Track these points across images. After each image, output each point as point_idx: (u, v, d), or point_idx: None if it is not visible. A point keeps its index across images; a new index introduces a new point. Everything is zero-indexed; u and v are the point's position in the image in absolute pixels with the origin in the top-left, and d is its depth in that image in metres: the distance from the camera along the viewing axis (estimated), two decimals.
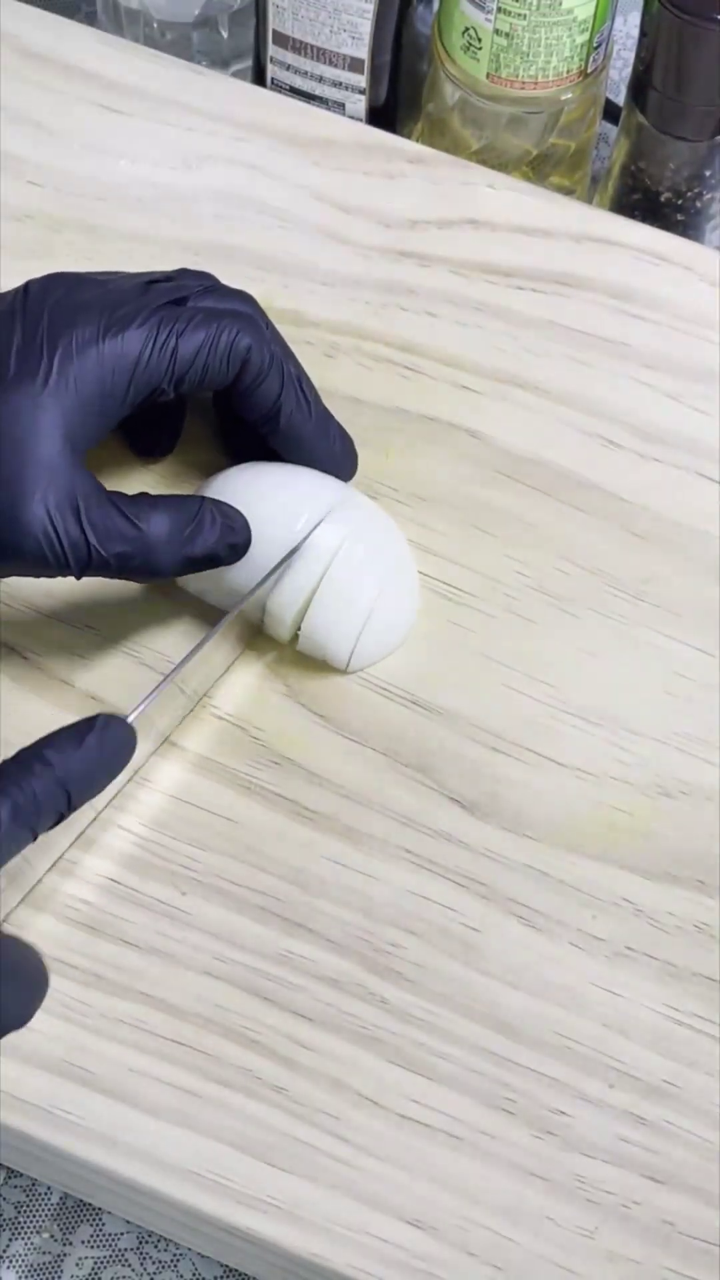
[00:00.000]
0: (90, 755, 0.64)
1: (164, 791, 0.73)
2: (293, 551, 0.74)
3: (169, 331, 0.72)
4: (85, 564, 0.71)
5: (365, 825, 0.73)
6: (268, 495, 0.75)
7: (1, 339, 0.71)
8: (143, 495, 0.72)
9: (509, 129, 0.90)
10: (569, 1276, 0.67)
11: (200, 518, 0.72)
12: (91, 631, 0.76)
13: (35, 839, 0.62)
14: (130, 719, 0.66)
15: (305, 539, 0.74)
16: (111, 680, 0.75)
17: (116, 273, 0.75)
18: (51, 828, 0.63)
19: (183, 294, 0.74)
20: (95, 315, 0.72)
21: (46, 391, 0.71)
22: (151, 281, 0.74)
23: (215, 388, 0.74)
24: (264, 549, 0.74)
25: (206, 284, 0.75)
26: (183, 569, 0.73)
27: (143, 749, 0.69)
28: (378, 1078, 0.69)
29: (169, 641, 0.76)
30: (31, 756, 0.63)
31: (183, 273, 0.75)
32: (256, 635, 0.76)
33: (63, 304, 0.72)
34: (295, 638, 0.75)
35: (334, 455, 0.77)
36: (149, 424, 0.78)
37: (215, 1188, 0.68)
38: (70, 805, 0.63)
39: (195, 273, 0.76)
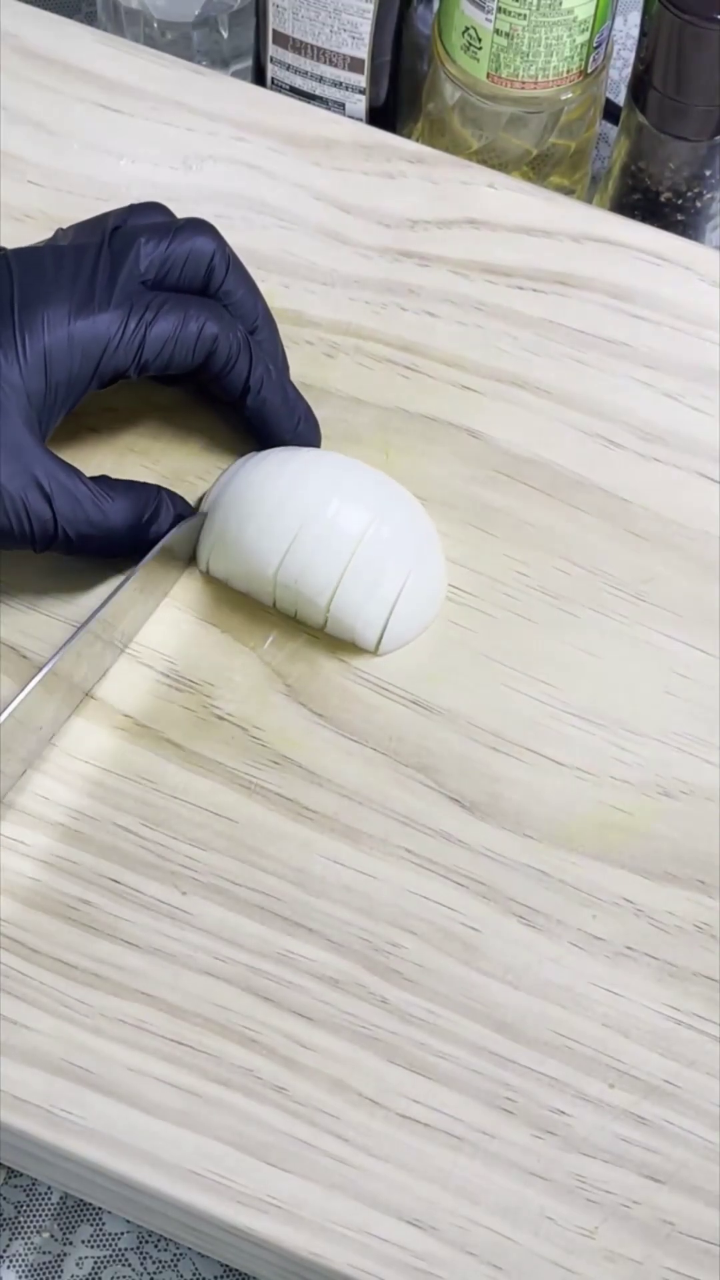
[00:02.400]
0: None
1: (163, 791, 0.73)
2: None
3: (138, 320, 0.74)
4: (50, 542, 0.73)
5: (365, 825, 0.73)
6: (296, 478, 0.75)
7: None
8: (104, 478, 0.75)
9: (509, 129, 0.90)
10: (569, 1276, 0.67)
11: (159, 506, 0.75)
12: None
13: None
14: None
15: (327, 519, 0.75)
16: (111, 680, 0.75)
17: (79, 225, 0.77)
18: None
19: (149, 246, 0.75)
20: (65, 297, 0.73)
21: (15, 373, 0.72)
22: (110, 239, 0.75)
23: (181, 373, 0.76)
24: (292, 530, 0.74)
25: (160, 225, 0.76)
26: (133, 553, 0.75)
27: (60, 702, 0.73)
28: (378, 1078, 0.69)
29: (169, 641, 0.76)
30: None
31: (133, 210, 0.77)
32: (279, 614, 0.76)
33: (32, 282, 0.73)
34: (326, 621, 0.75)
35: (297, 434, 0.78)
36: None
37: (215, 1188, 0.68)
38: None
39: (145, 208, 0.77)
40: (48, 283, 0.73)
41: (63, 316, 0.73)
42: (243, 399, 0.77)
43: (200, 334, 0.75)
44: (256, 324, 0.78)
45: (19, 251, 0.75)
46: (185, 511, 0.76)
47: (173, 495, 0.76)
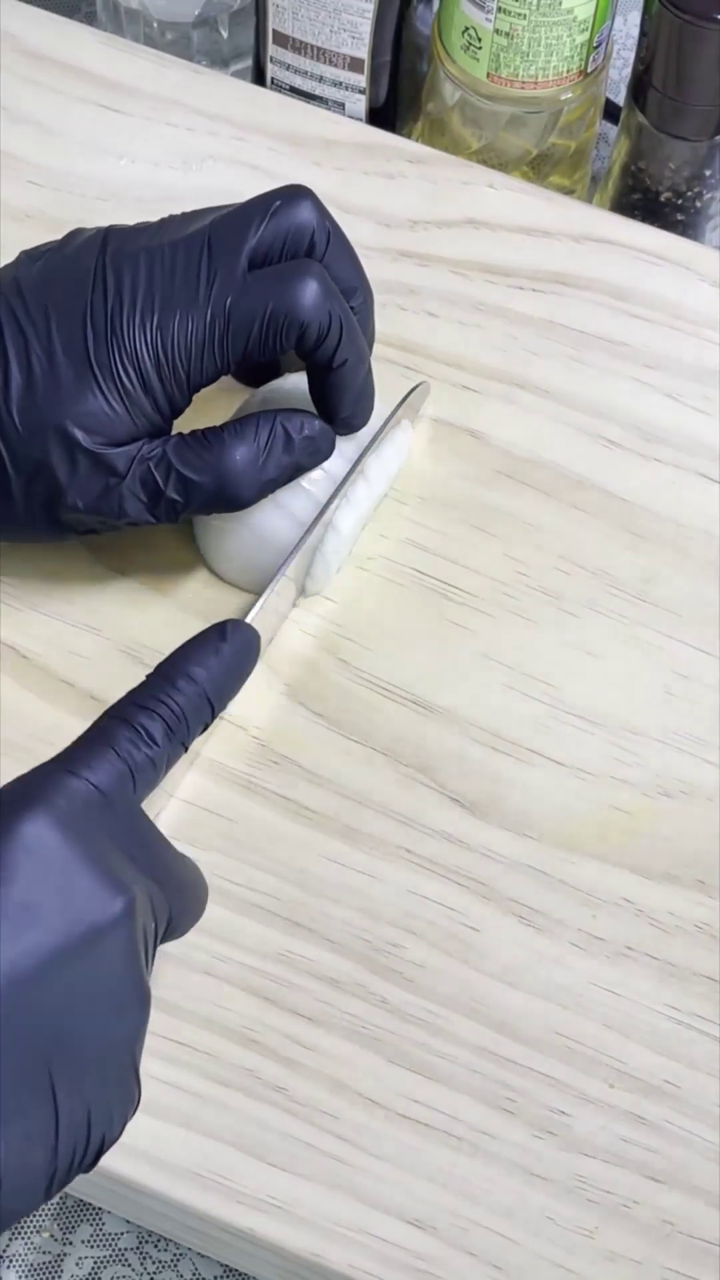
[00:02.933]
0: (227, 662, 0.65)
1: (163, 791, 0.73)
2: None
3: (225, 323, 0.72)
4: (177, 514, 0.73)
5: (365, 825, 0.73)
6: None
7: (78, 308, 0.72)
8: (213, 431, 0.73)
9: (509, 129, 0.90)
10: (569, 1276, 0.67)
11: (273, 438, 0.73)
12: (91, 631, 0.76)
13: (186, 751, 0.64)
14: (251, 619, 0.68)
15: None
16: (112, 680, 0.75)
17: (169, 221, 0.75)
18: (198, 737, 0.65)
19: (248, 231, 0.73)
20: (152, 308, 0.71)
21: (115, 394, 0.72)
22: (211, 233, 0.73)
23: (276, 357, 0.74)
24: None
25: (259, 202, 0.74)
26: (265, 491, 0.73)
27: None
28: (378, 1078, 0.69)
29: (169, 642, 0.76)
30: (175, 672, 0.64)
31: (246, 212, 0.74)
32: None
33: (126, 285, 0.72)
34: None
35: (348, 421, 0.76)
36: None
37: (215, 1188, 0.68)
38: (214, 714, 0.65)
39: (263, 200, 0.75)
40: (142, 290, 0.72)
41: (156, 325, 0.72)
42: (325, 373, 0.74)
43: (287, 320, 0.72)
44: (356, 291, 0.75)
45: (115, 254, 0.73)
46: (315, 430, 0.74)
47: (292, 417, 0.74)
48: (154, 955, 0.60)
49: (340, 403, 0.75)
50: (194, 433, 0.73)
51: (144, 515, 0.73)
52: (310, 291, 0.72)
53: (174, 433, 0.73)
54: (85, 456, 0.71)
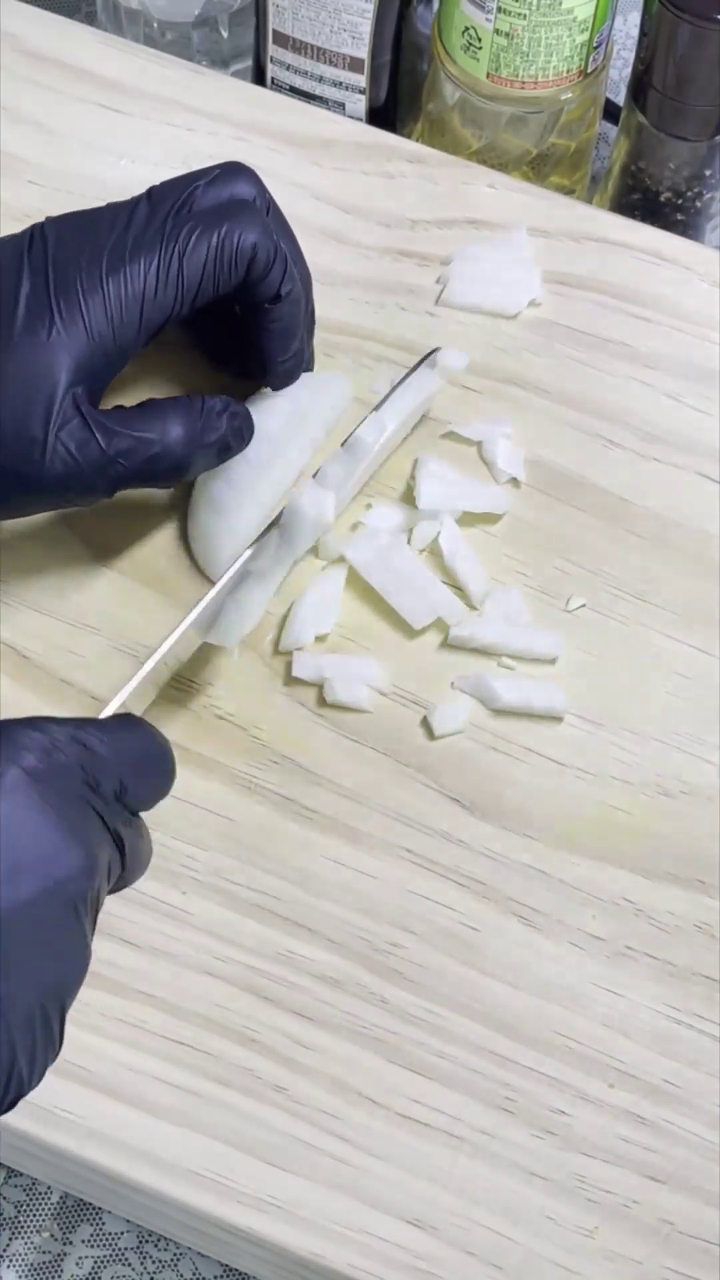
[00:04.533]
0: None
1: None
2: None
3: (171, 254, 0.73)
4: (114, 480, 0.72)
5: (365, 825, 0.73)
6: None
7: (9, 286, 0.72)
8: (150, 402, 0.74)
9: (509, 129, 0.90)
10: (569, 1276, 0.67)
11: (207, 412, 0.74)
12: (91, 631, 0.76)
13: None
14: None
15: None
16: (112, 680, 0.75)
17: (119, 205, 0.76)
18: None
19: (186, 192, 0.74)
20: (98, 256, 0.73)
21: (54, 340, 0.72)
22: (150, 193, 0.75)
23: (227, 292, 0.75)
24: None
25: (197, 172, 0.75)
26: (201, 463, 0.74)
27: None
28: (378, 1078, 0.69)
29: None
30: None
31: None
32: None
33: (67, 247, 0.73)
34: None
35: (285, 368, 0.77)
36: (220, 335, 0.79)
37: (215, 1188, 0.68)
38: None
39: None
40: (81, 245, 0.73)
41: (96, 278, 0.72)
42: (271, 304, 0.75)
43: (239, 248, 0.73)
44: (297, 262, 0.76)
45: (59, 218, 0.74)
46: (236, 409, 0.75)
47: (217, 397, 0.75)
48: (100, 909, 0.60)
49: (282, 345, 0.76)
50: (131, 406, 0.74)
51: (74, 473, 0.72)
52: (258, 220, 0.74)
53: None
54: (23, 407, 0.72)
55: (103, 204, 0.76)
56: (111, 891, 0.61)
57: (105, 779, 0.59)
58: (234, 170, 0.75)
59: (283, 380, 0.77)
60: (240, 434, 0.75)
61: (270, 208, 0.76)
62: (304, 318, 0.77)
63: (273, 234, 0.74)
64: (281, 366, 0.77)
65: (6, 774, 0.57)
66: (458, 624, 0.76)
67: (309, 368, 0.78)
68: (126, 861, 0.60)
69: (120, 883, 0.61)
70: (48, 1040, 0.57)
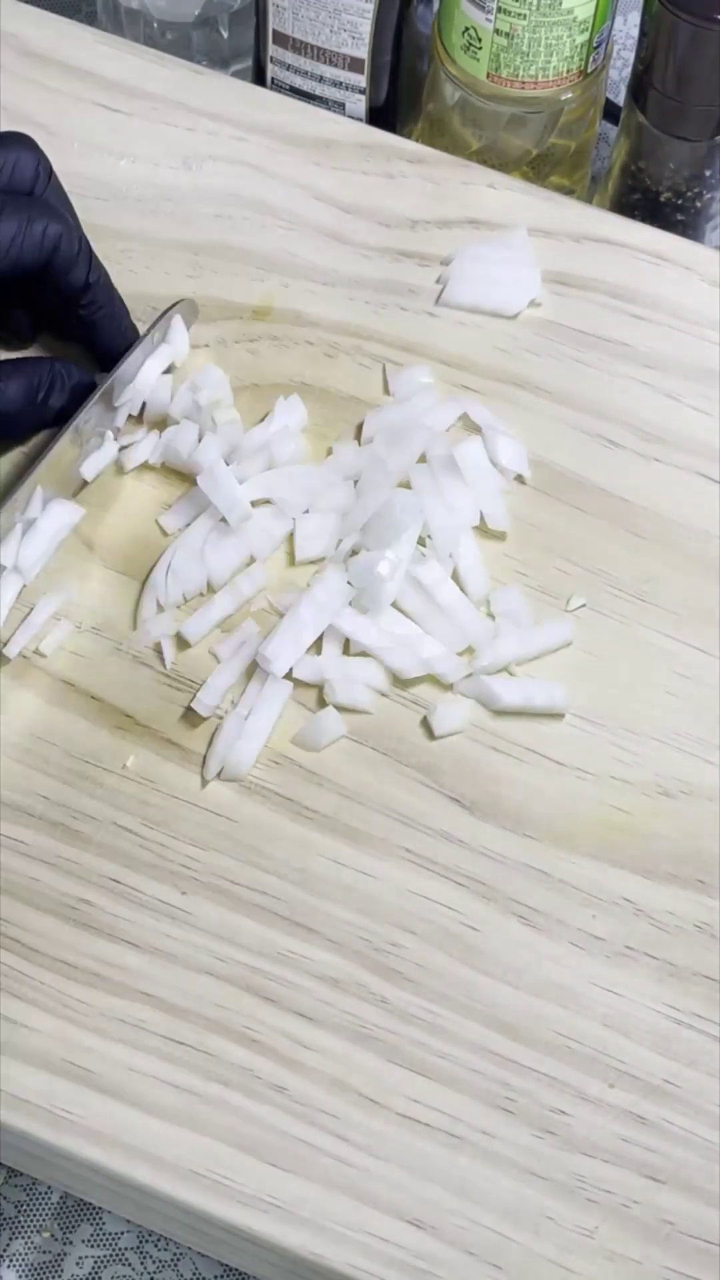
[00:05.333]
0: None
1: (164, 791, 0.73)
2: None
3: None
4: None
5: (365, 825, 0.73)
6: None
7: None
8: None
9: (509, 129, 0.90)
10: (569, 1276, 0.67)
11: (52, 379, 0.76)
12: (91, 631, 0.76)
13: None
14: None
15: None
16: (112, 680, 0.75)
17: None
18: None
19: None
20: None
21: None
22: None
23: (24, 275, 0.76)
24: None
25: None
26: (35, 429, 0.77)
27: None
28: (378, 1078, 0.69)
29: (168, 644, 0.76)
30: None
31: None
32: None
33: None
34: None
35: (125, 334, 0.79)
36: (4, 308, 0.80)
37: (215, 1188, 0.68)
38: None
39: None
40: None
41: None
42: (82, 294, 0.77)
43: (45, 233, 0.75)
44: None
45: None
46: (83, 380, 0.77)
47: (68, 365, 0.77)
48: None
49: (113, 330, 0.78)
50: None
51: None
52: (54, 208, 0.76)
53: None
54: None
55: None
56: None
57: None
58: (14, 137, 0.77)
59: (111, 366, 0.79)
60: (77, 402, 0.76)
61: (51, 176, 0.77)
62: (115, 296, 0.79)
63: (76, 229, 0.76)
64: (118, 352, 0.78)
65: None
66: (478, 654, 0.75)
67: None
68: None
69: None
70: None
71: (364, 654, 0.75)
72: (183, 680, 0.75)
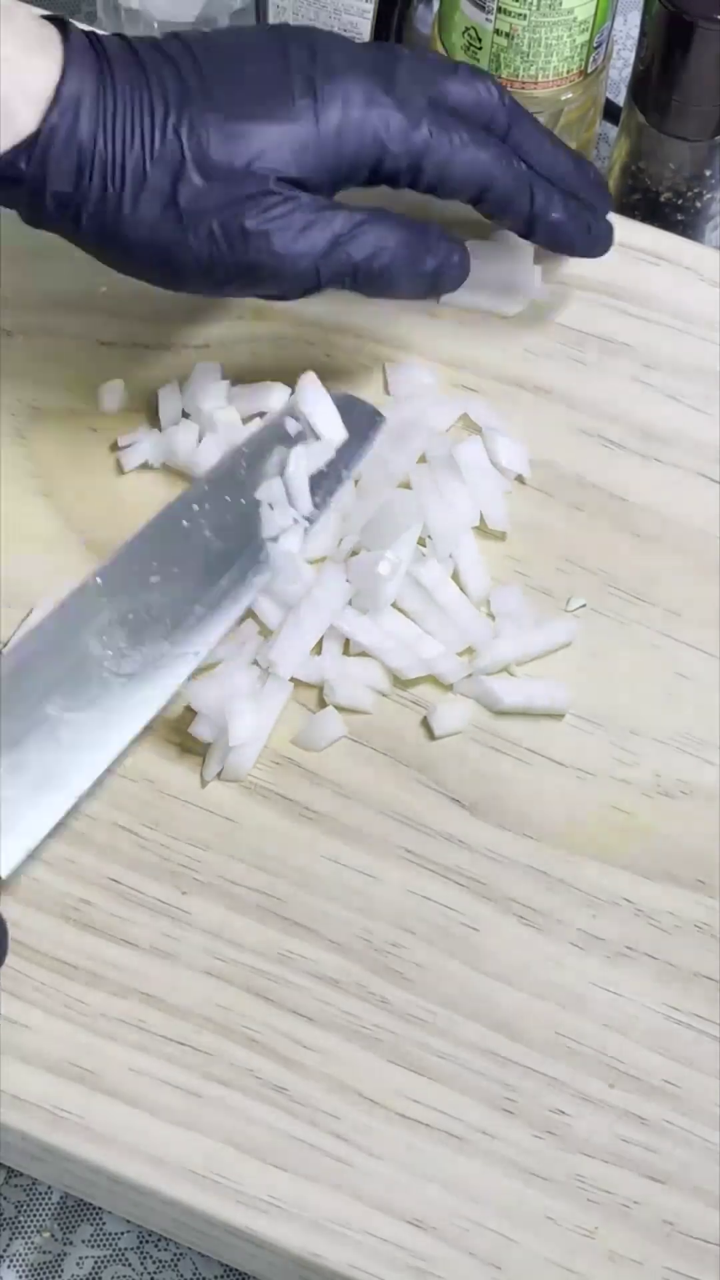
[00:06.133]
0: None
1: (164, 791, 0.73)
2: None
3: (430, 133, 0.74)
4: (331, 268, 0.74)
5: (365, 825, 0.73)
6: None
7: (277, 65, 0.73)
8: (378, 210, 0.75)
9: None
10: (569, 1276, 0.67)
11: (433, 239, 0.76)
12: None
13: None
14: None
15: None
16: None
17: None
18: None
19: (436, 83, 0.75)
20: (367, 79, 0.73)
21: (301, 129, 0.73)
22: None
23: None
24: None
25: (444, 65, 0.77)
26: (416, 288, 0.76)
27: None
28: (378, 1078, 0.69)
29: None
30: None
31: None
32: None
33: (336, 54, 0.74)
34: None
35: (589, 242, 0.80)
36: None
37: (215, 1188, 0.68)
38: None
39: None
40: (350, 61, 0.74)
41: (361, 98, 0.73)
42: (530, 231, 0.78)
43: (484, 170, 0.75)
44: (541, 157, 0.78)
45: (328, 32, 0.76)
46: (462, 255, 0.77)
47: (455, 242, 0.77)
48: None
49: (568, 244, 0.80)
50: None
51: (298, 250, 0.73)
52: (507, 157, 0.77)
53: None
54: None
55: None
56: None
57: None
58: (479, 77, 0.76)
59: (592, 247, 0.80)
60: (455, 273, 0.76)
61: (513, 113, 0.77)
62: (563, 207, 0.78)
63: (515, 166, 0.76)
64: (583, 248, 0.80)
65: None
66: (478, 655, 0.75)
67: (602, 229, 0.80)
68: None
69: None
70: None
71: (364, 654, 0.75)
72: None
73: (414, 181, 0.75)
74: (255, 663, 0.75)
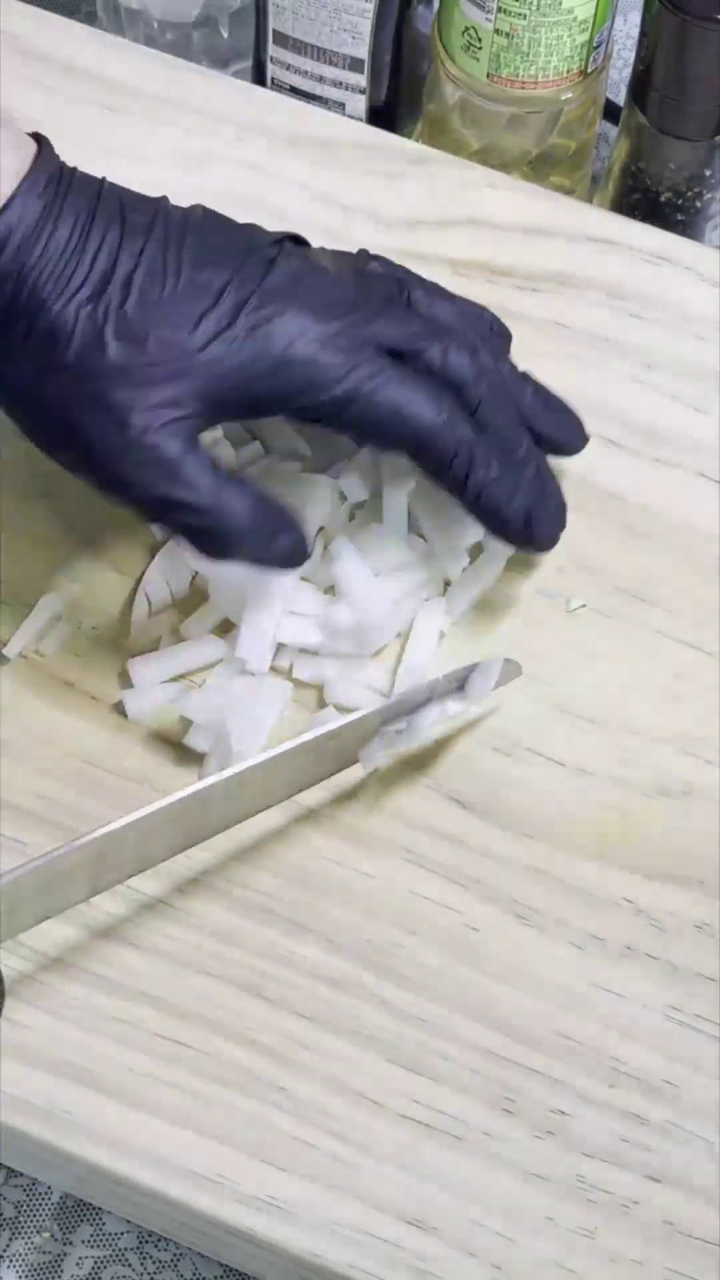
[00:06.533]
0: None
1: (164, 791, 0.73)
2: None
3: (360, 381, 0.70)
4: (164, 503, 0.69)
5: (365, 825, 0.73)
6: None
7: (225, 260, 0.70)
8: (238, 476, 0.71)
9: (509, 129, 0.90)
10: (569, 1276, 0.67)
11: (291, 528, 0.71)
12: (92, 631, 0.76)
13: None
14: None
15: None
16: (112, 681, 0.75)
17: (402, 268, 0.74)
18: None
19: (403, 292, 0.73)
20: (310, 316, 0.70)
21: (223, 349, 0.69)
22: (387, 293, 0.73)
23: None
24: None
25: (430, 292, 0.74)
26: (244, 556, 0.71)
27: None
28: (378, 1078, 0.69)
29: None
30: None
31: (458, 302, 0.74)
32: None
33: (287, 283, 0.71)
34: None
35: (522, 533, 0.75)
36: None
37: (215, 1188, 0.68)
38: None
39: (473, 310, 0.75)
40: (299, 291, 0.71)
41: (295, 332, 0.70)
42: (459, 495, 0.73)
43: (412, 426, 0.71)
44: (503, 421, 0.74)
45: (313, 254, 0.73)
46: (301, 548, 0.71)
47: (303, 537, 0.72)
48: None
49: (496, 522, 0.74)
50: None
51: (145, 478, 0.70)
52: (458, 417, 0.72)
53: None
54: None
55: None
56: None
57: None
58: (460, 344, 0.72)
59: (530, 540, 0.75)
60: (289, 559, 0.72)
61: (488, 386, 0.73)
62: (505, 482, 0.73)
63: (461, 430, 0.72)
64: (513, 535, 0.75)
65: None
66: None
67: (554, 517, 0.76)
68: None
69: None
70: None
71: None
72: (184, 681, 0.75)
73: (337, 423, 0.71)
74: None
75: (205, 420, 0.70)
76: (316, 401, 0.70)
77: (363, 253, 0.75)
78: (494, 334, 0.75)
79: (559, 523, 0.75)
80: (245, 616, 0.74)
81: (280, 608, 0.74)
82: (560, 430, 0.76)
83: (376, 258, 0.75)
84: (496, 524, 0.74)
